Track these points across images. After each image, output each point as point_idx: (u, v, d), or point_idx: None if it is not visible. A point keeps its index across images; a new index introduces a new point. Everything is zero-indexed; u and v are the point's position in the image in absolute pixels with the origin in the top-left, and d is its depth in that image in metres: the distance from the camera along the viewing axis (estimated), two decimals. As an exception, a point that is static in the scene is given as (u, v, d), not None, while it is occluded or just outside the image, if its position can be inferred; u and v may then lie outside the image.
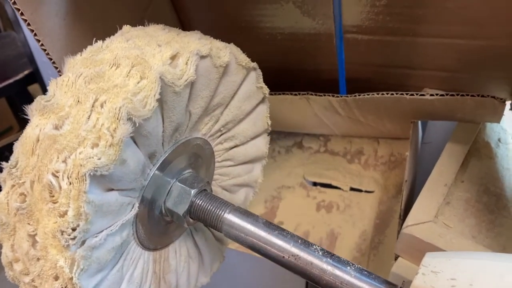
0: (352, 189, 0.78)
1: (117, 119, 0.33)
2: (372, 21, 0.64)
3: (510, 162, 0.64)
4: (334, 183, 0.79)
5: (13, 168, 0.35)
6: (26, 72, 1.32)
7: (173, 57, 0.38)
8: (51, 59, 0.48)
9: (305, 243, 0.39)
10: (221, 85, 0.44)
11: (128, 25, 0.42)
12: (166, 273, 0.47)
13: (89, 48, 0.39)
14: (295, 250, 0.39)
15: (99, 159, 0.32)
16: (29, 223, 0.34)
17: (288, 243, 0.40)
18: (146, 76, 0.35)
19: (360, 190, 0.78)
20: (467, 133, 0.65)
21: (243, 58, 0.45)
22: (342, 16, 0.65)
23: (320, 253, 0.39)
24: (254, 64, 0.48)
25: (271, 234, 0.40)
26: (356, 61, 0.71)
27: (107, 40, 0.40)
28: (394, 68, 0.70)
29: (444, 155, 0.63)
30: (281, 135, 0.87)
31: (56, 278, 0.34)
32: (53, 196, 0.33)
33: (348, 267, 0.38)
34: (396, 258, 0.59)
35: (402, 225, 0.62)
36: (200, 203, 0.43)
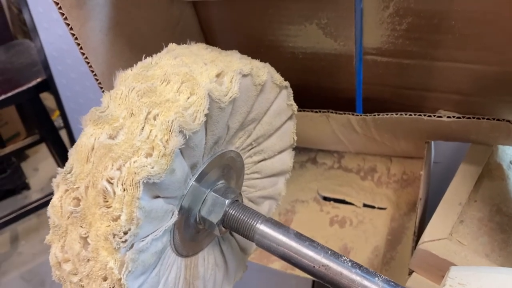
0: (365, 205, 0.80)
1: (170, 131, 0.35)
2: (392, 44, 0.66)
3: (521, 184, 0.66)
4: (347, 199, 0.81)
5: (68, 173, 0.37)
6: (39, 79, 1.34)
7: (218, 75, 0.40)
8: (93, 71, 0.50)
9: (335, 254, 0.42)
10: (257, 102, 0.47)
11: (174, 43, 0.45)
12: (195, 280, 0.49)
13: (139, 64, 0.42)
14: (325, 261, 0.41)
15: (152, 168, 0.35)
16: (81, 226, 0.36)
17: (318, 254, 0.42)
18: (196, 92, 0.38)
19: (373, 207, 0.79)
20: (480, 154, 0.67)
21: (278, 77, 0.48)
22: (363, 38, 0.68)
23: (350, 264, 0.41)
24: (287, 83, 0.50)
25: (302, 244, 0.43)
26: (374, 82, 0.73)
27: (156, 56, 0.43)
28: (410, 89, 0.72)
29: (458, 175, 0.65)
30: (295, 150, 0.89)
31: (105, 278, 0.36)
32: (107, 201, 0.35)
33: (376, 278, 0.40)
34: (410, 273, 0.60)
35: (416, 241, 0.64)
36: (233, 213, 0.45)
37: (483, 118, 0.60)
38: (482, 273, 0.36)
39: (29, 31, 1.29)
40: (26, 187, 1.87)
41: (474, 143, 0.68)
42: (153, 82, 0.39)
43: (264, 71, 0.45)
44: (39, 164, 1.99)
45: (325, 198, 0.83)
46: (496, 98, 0.67)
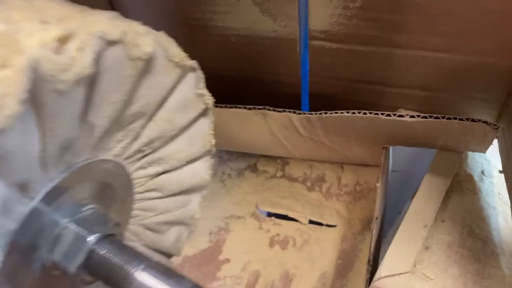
0: (311, 222, 0.68)
1: None
2: (343, 26, 0.55)
3: (495, 199, 0.56)
4: (290, 214, 0.68)
5: None
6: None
7: (62, 40, 0.25)
8: None
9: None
10: (142, 88, 0.31)
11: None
12: None
13: None
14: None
15: None
16: None
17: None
18: (12, 64, 0.22)
19: (320, 224, 0.67)
20: (448, 163, 0.57)
21: (177, 52, 0.33)
22: (308, 18, 0.55)
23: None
24: (193, 63, 0.35)
25: (201, 304, 0.28)
26: (322, 74, 0.62)
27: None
28: (366, 83, 0.61)
29: (423, 189, 0.54)
30: (232, 156, 0.76)
31: None
32: None
33: None
34: (364, 313, 0.48)
35: (371, 272, 0.52)
36: (102, 254, 0.30)
37: (455, 119, 0.49)
38: None
39: None
40: None
41: (440, 149, 0.57)
42: None
43: (147, 39, 0.29)
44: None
45: (268, 214, 0.70)
46: (467, 95, 0.57)
